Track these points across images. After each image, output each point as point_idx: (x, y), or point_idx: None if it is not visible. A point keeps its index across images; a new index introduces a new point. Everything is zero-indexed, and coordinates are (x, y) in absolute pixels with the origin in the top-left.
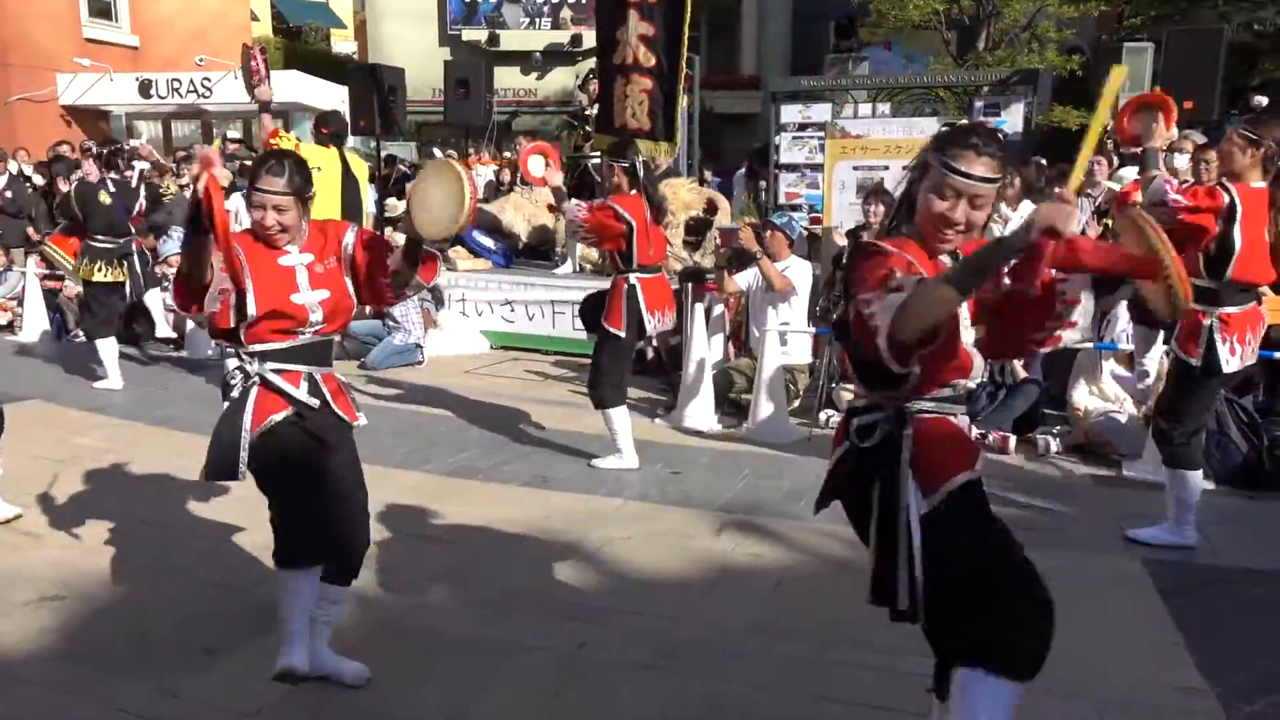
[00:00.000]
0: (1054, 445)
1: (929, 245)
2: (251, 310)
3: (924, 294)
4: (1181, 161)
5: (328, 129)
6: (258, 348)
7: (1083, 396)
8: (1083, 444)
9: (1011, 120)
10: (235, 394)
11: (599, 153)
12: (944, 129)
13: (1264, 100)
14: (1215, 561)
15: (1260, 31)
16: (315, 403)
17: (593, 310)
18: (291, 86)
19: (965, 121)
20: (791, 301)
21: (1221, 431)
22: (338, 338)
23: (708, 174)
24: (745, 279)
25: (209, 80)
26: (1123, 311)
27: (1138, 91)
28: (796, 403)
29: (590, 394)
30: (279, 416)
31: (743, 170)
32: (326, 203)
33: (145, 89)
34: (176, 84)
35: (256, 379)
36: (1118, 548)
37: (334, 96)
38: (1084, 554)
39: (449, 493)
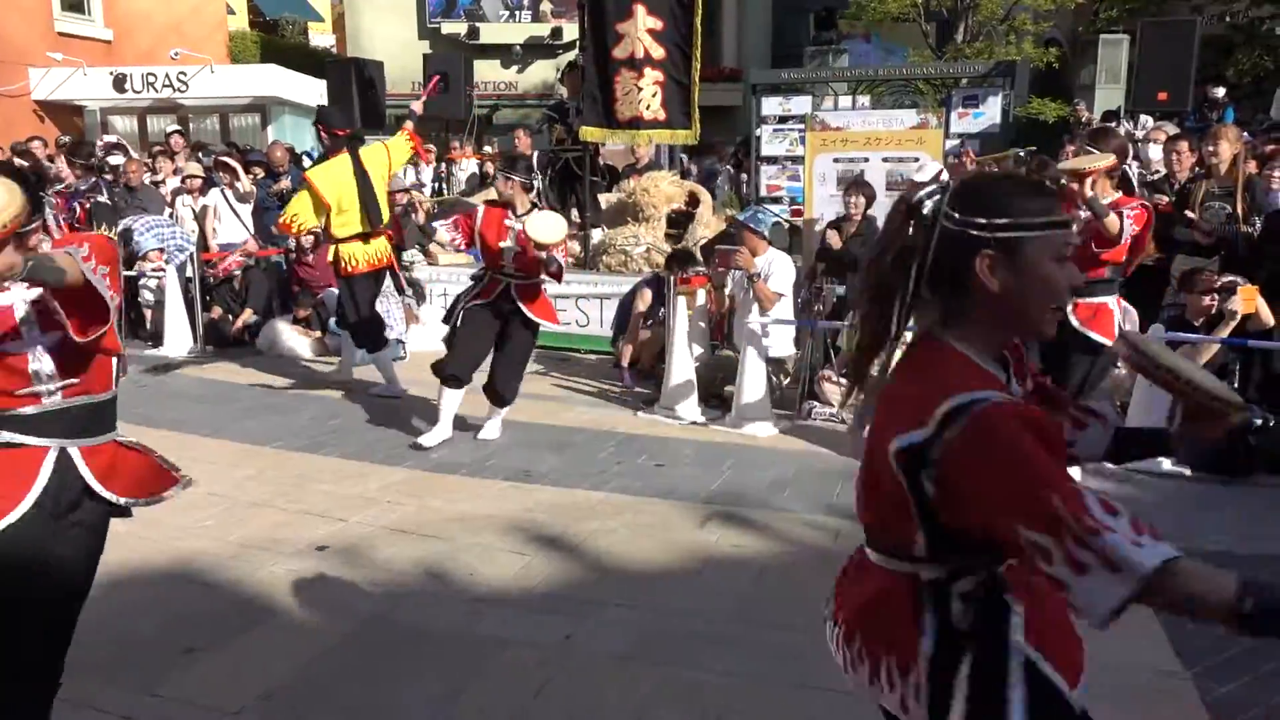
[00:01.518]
0: None
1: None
2: None
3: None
4: (1155, 152)
5: (341, 131)
6: None
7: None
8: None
9: (990, 112)
10: None
11: (583, 145)
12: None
13: (1221, 91)
14: (1191, 546)
15: (1234, 23)
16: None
17: None
18: (269, 81)
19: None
20: None
21: None
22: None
23: (692, 168)
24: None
25: (185, 74)
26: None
27: (1114, 84)
28: (779, 394)
29: (512, 388)
30: (14, 515)
31: (725, 163)
32: (351, 219)
33: (120, 83)
34: (152, 78)
35: None
36: None
37: (312, 90)
38: None
39: (432, 488)
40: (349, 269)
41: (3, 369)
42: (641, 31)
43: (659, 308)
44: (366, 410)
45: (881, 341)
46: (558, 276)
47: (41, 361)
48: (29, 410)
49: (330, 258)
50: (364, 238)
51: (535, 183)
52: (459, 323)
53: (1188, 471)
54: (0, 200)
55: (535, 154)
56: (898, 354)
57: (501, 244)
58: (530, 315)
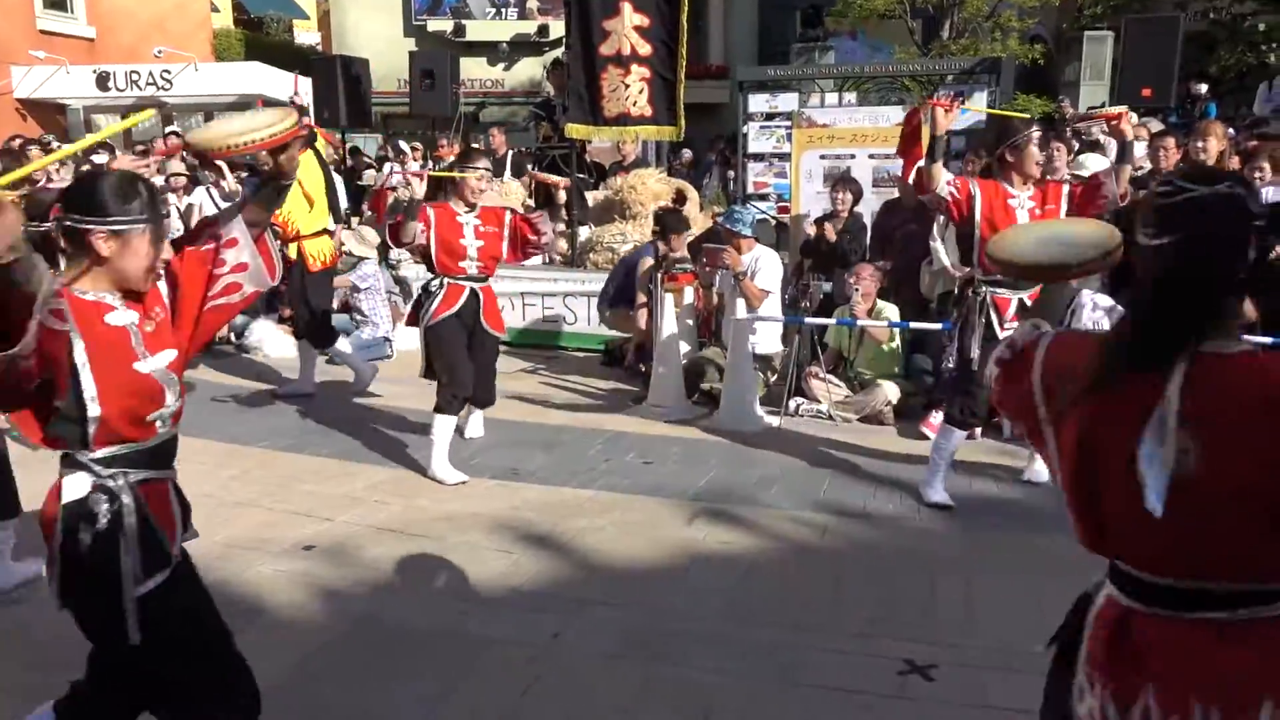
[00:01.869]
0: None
1: None
2: (92, 396)
3: None
4: (1140, 149)
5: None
6: (106, 453)
7: None
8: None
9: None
10: (100, 527)
11: (569, 143)
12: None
13: (1204, 87)
14: None
15: (1216, 20)
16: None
17: None
18: (253, 78)
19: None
20: None
21: None
22: None
23: (678, 164)
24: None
25: (169, 72)
26: (1086, 299)
27: (1099, 80)
28: (765, 391)
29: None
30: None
31: (713, 159)
32: (319, 214)
33: (103, 81)
34: (135, 76)
35: (125, 503)
36: None
37: (298, 88)
38: (1052, 534)
39: (418, 487)
40: (318, 265)
41: (139, 396)
42: (628, 28)
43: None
44: (351, 410)
45: (1150, 364)
46: (539, 247)
47: (172, 386)
48: (151, 442)
49: (294, 255)
50: (330, 234)
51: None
52: (432, 341)
53: None
54: (278, 114)
55: (510, 153)
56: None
57: (462, 240)
58: (489, 328)
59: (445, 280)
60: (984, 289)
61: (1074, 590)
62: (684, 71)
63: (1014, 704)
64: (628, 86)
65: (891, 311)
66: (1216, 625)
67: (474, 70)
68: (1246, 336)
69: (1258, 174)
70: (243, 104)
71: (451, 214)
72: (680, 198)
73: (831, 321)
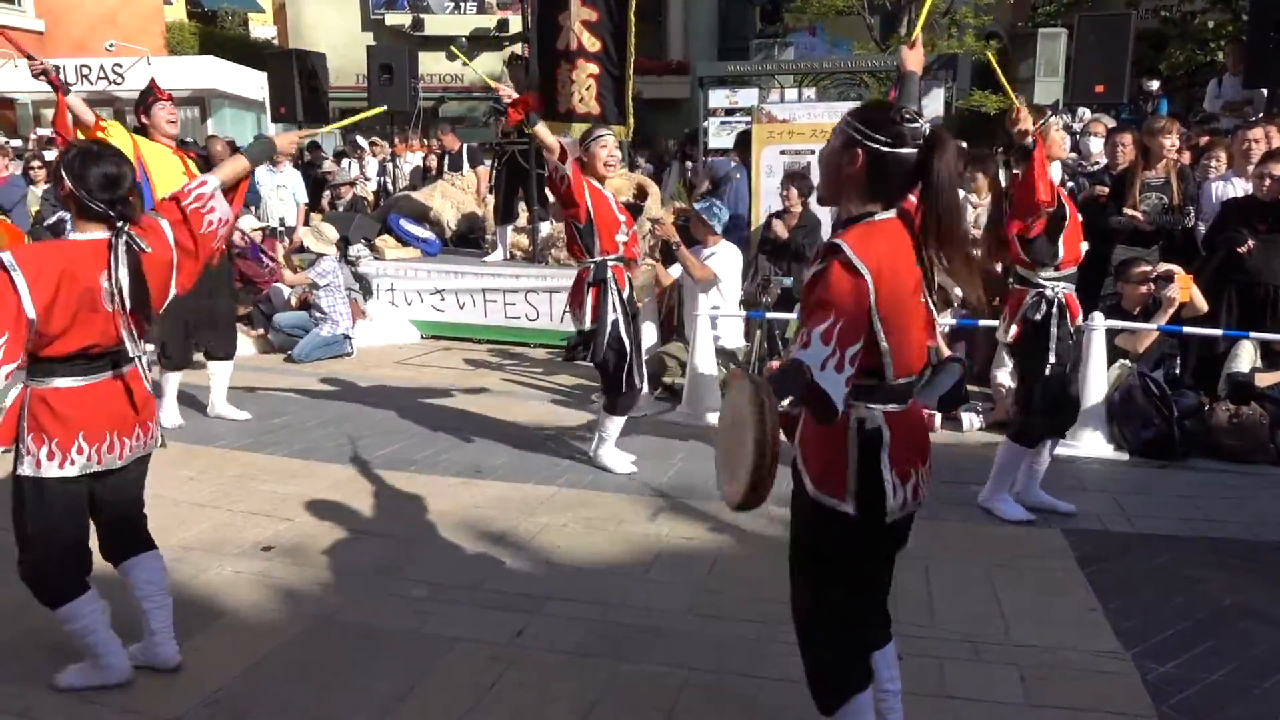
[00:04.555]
0: (977, 422)
1: None
2: None
3: None
4: (1096, 145)
5: None
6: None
7: (1004, 375)
8: (1005, 421)
9: (932, 105)
10: None
11: (529, 138)
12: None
13: (1155, 84)
14: (1129, 529)
15: (1167, 18)
16: None
17: None
18: (208, 73)
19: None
20: (721, 286)
21: (1134, 405)
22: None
23: (640, 160)
24: (678, 267)
25: (120, 66)
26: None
27: (1053, 76)
28: None
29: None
30: None
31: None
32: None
33: None
34: (86, 70)
35: None
36: (1039, 520)
37: (253, 83)
38: (1007, 526)
39: (381, 485)
40: None
41: None
42: (576, 23)
43: None
44: (312, 408)
45: None
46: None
47: None
48: None
49: None
50: None
51: (463, 177)
52: (627, 335)
53: (1126, 456)
54: None
55: (464, 147)
56: None
57: (618, 215)
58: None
59: (607, 263)
60: (1059, 286)
61: (1026, 577)
62: (633, 68)
63: (974, 694)
64: (574, 82)
65: None
66: None
67: (433, 65)
68: (1192, 329)
69: (1213, 165)
70: (196, 99)
71: (597, 189)
72: (641, 193)
73: (791, 316)
